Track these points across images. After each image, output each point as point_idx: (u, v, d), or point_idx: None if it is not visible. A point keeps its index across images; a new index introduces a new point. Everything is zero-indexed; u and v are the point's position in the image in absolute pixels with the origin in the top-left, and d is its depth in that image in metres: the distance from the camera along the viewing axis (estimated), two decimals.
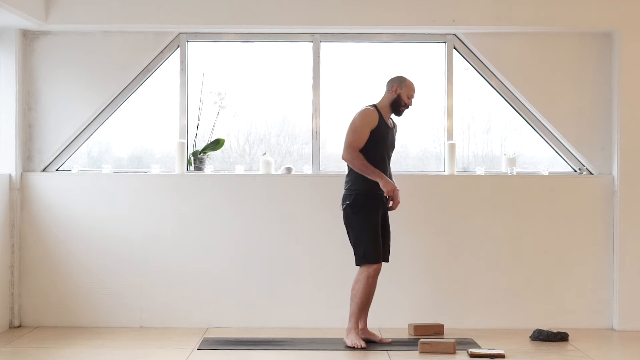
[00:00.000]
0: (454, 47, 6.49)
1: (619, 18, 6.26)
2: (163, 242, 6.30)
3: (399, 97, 5.67)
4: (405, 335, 6.04)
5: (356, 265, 5.63)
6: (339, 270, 6.22)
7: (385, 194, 5.58)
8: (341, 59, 6.61)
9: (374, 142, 5.60)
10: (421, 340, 5.48)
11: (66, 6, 6.21)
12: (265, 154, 6.49)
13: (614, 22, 6.27)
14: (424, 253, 6.31)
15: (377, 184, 5.55)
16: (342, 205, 5.66)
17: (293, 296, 6.28)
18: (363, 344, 5.57)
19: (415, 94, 5.72)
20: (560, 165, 6.56)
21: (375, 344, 5.70)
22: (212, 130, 6.58)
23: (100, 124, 6.48)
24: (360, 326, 5.72)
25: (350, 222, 5.63)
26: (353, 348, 5.56)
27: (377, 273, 5.60)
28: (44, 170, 6.40)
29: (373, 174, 5.54)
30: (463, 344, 5.64)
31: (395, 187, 5.57)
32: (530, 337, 5.92)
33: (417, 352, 5.45)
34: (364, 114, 5.62)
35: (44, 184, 6.30)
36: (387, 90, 5.72)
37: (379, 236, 5.61)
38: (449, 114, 6.51)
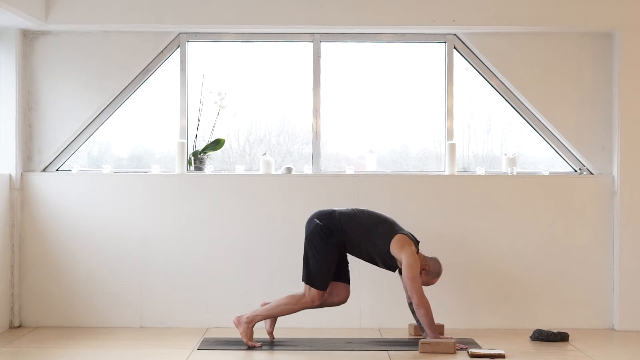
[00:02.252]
0: (454, 47, 6.49)
1: (619, 18, 6.26)
2: (163, 242, 6.30)
3: (420, 273, 5.57)
4: (405, 335, 6.04)
5: (302, 280, 5.62)
6: None
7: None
8: (341, 59, 6.60)
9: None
10: (421, 340, 5.48)
11: (66, 6, 6.21)
12: (265, 154, 6.49)
13: (614, 22, 6.27)
14: (424, 253, 6.28)
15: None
16: (318, 220, 5.61)
17: None
18: (252, 344, 5.60)
19: (429, 286, 5.71)
20: (560, 165, 6.56)
21: (373, 343, 5.70)
22: (212, 130, 6.58)
23: (100, 124, 6.48)
24: (267, 328, 5.75)
25: (315, 245, 5.59)
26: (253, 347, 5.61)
27: (313, 302, 5.59)
28: (44, 170, 6.40)
29: (433, 326, 5.49)
30: (463, 344, 5.64)
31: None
32: (530, 337, 5.92)
33: (417, 352, 5.45)
34: (416, 261, 5.55)
35: (44, 184, 6.30)
36: (426, 258, 5.65)
37: (332, 269, 5.60)
38: (449, 114, 6.50)
